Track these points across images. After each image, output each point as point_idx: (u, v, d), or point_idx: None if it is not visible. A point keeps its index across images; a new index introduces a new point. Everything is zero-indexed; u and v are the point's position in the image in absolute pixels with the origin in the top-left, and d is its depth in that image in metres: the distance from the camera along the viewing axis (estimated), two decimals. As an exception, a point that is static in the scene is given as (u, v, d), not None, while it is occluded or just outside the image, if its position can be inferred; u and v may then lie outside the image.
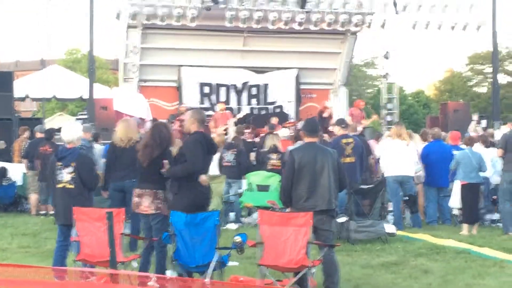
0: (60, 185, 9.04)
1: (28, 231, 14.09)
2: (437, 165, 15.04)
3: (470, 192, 13.86)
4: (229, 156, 15.40)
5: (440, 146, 15.51)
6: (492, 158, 14.94)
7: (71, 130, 9.40)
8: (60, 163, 9.06)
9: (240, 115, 24.19)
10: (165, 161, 8.91)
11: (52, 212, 16.07)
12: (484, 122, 24.42)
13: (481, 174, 14.18)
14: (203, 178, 8.91)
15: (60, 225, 9.32)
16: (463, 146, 14.95)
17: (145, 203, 8.97)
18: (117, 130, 11.39)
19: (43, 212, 16.94)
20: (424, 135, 16.62)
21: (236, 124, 21.77)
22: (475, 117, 20.56)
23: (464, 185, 13.88)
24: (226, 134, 20.87)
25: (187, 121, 9.21)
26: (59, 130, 21.47)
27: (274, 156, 15.60)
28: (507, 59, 56.02)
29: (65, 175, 8.98)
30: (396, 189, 14.48)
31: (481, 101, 54.84)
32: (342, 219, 12.61)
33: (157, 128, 9.30)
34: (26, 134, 18.72)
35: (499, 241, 12.71)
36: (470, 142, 14.52)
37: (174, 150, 14.96)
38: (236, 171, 15.44)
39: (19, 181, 18.09)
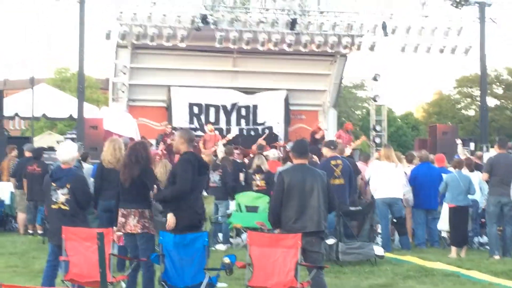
0: (55, 206, 8.98)
1: (16, 250, 14.00)
2: (425, 188, 15.05)
3: (458, 214, 13.87)
4: (215, 176, 15.38)
5: (428, 168, 15.52)
6: (479, 182, 14.97)
7: (66, 150, 9.34)
8: (55, 184, 9.01)
9: (230, 137, 24.21)
10: (154, 186, 8.91)
11: (40, 231, 16.03)
12: (472, 145, 24.54)
13: (470, 196, 14.21)
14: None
15: (52, 245, 9.28)
16: (451, 169, 14.98)
17: (131, 223, 8.94)
18: (104, 151, 11.35)
19: (31, 231, 16.84)
20: (409, 157, 16.63)
21: (225, 145, 21.77)
22: (458, 140, 20.64)
23: (452, 207, 13.90)
24: (215, 155, 20.87)
25: (176, 141, 9.14)
26: (47, 149, 21.53)
27: (258, 176, 15.59)
28: (495, 82, 56.35)
29: (60, 196, 8.92)
30: (385, 211, 14.48)
31: (470, 123, 55.12)
32: (331, 241, 12.60)
33: (133, 147, 9.29)
34: (14, 153, 18.65)
35: (487, 264, 12.72)
36: (459, 165, 14.55)
37: (158, 170, 14.96)
38: (221, 192, 15.40)
39: (7, 200, 17.98)
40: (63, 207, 8.92)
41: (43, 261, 12.34)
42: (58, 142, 27.21)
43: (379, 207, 14.32)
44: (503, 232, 13.92)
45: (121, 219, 9.03)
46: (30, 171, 16.40)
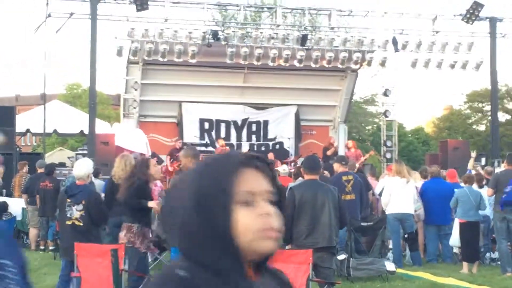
0: (69, 222, 9.02)
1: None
2: (436, 203, 15.03)
3: (469, 230, 13.84)
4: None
5: (439, 183, 15.51)
6: (488, 197, 14.94)
7: (82, 166, 9.41)
8: (70, 200, 9.06)
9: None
10: (154, 202, 8.92)
11: (51, 247, 16.08)
12: (483, 160, 24.47)
13: (481, 212, 14.17)
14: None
15: (65, 260, 9.32)
16: (462, 184, 14.96)
17: (121, 235, 9.01)
18: (115, 167, 11.39)
19: (43, 247, 16.90)
20: (423, 173, 16.63)
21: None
22: (473, 154, 20.60)
23: (463, 223, 13.87)
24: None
25: (183, 162, 9.12)
26: (59, 165, 21.63)
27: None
28: (506, 97, 56.23)
29: (75, 212, 8.97)
30: (396, 226, 14.47)
31: (481, 139, 54.93)
32: (342, 257, 12.59)
33: (136, 164, 9.41)
34: (25, 169, 18.77)
35: (499, 280, 12.68)
36: (469, 180, 14.53)
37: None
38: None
39: (18, 216, 18.07)
40: (77, 223, 8.97)
41: (54, 277, 12.39)
42: (69, 158, 27.35)
43: (390, 223, 14.31)
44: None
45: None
46: (42, 187, 16.48)
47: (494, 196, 13.87)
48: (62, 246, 9.49)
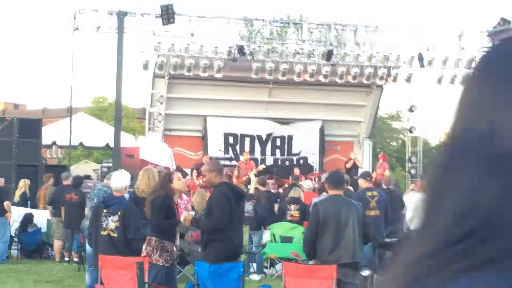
0: (104, 232, 9.08)
1: (52, 278, 14.11)
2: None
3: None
4: (248, 206, 15.44)
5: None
6: None
7: (121, 179, 9.50)
8: (106, 211, 9.12)
9: (260, 168, 24.21)
10: (185, 213, 8.90)
11: (76, 259, 16.15)
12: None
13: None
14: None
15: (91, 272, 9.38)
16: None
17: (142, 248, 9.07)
18: (139, 180, 11.42)
19: (67, 259, 16.96)
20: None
21: (256, 175, 21.76)
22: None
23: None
24: (248, 183, 20.90)
25: (207, 177, 8.95)
26: (86, 177, 21.74)
27: (292, 206, 15.56)
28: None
29: (111, 222, 9.02)
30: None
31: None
32: (366, 273, 12.52)
33: (160, 177, 9.47)
34: (51, 181, 18.89)
35: None
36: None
37: (194, 199, 14.97)
38: (254, 222, 15.43)
39: (43, 228, 18.17)
40: (112, 234, 9.01)
41: (78, 289, 12.47)
42: (94, 170, 27.50)
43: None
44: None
45: None
46: (68, 199, 16.56)
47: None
48: (94, 256, 9.47)
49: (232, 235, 8.56)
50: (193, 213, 14.89)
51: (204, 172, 9.08)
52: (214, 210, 8.52)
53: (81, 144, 25.96)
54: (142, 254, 8.95)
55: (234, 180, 22.25)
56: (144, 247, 8.96)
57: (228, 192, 8.60)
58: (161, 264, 8.84)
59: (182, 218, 8.83)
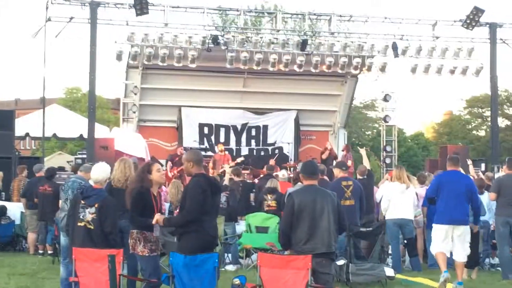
0: (81, 224, 9.01)
1: (26, 271, 14.01)
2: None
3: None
4: (221, 198, 15.45)
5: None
6: (488, 202, 14.90)
7: (100, 170, 9.43)
8: (84, 202, 9.06)
9: (238, 160, 24.20)
10: (157, 214, 8.81)
11: (50, 251, 16.04)
12: (483, 166, 24.43)
13: (481, 218, 14.12)
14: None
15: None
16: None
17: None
18: (114, 170, 11.35)
19: (41, 251, 16.86)
20: (421, 178, 16.55)
21: (232, 167, 21.73)
22: (469, 161, 20.53)
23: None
24: (224, 176, 20.87)
25: (185, 165, 8.88)
26: (60, 169, 21.58)
27: (269, 196, 15.57)
28: (506, 103, 56.24)
29: (88, 214, 8.96)
30: (396, 232, 14.45)
31: (481, 144, 54.96)
32: (341, 262, 12.56)
33: (138, 170, 9.45)
34: (24, 173, 18.74)
35: (498, 286, 12.66)
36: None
37: (169, 190, 14.90)
38: (227, 214, 15.38)
39: (17, 220, 18.04)
40: (88, 225, 8.96)
41: (53, 281, 12.40)
42: (68, 162, 27.31)
43: (389, 228, 14.30)
44: (514, 254, 13.84)
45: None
46: (42, 191, 16.45)
47: (496, 201, 13.80)
48: (70, 247, 9.35)
49: (207, 226, 8.52)
50: (168, 204, 14.88)
51: (183, 160, 9.03)
52: (188, 201, 8.47)
53: (54, 135, 25.75)
54: (130, 247, 8.93)
55: (210, 171, 22.24)
56: (129, 240, 8.95)
57: (204, 184, 8.52)
58: (147, 254, 8.81)
59: (154, 220, 8.73)
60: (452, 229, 12.03)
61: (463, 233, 12.10)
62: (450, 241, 12.15)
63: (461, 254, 12.12)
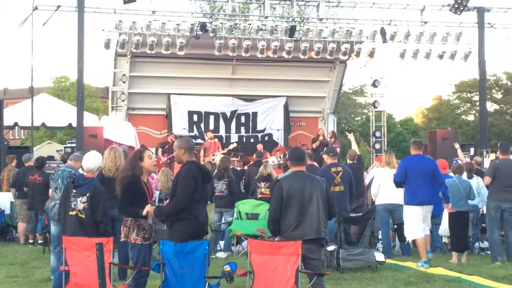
0: (72, 213, 8.98)
1: (16, 261, 14.00)
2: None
3: (459, 220, 13.87)
4: (221, 186, 15.50)
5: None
6: (477, 186, 14.97)
7: (93, 159, 9.39)
8: (75, 191, 9.04)
9: (231, 147, 24.22)
10: (148, 206, 8.79)
11: (40, 241, 16.04)
12: (472, 150, 24.52)
13: (470, 202, 14.20)
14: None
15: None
16: (451, 174, 14.96)
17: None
18: (105, 158, 11.34)
19: (31, 241, 16.85)
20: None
21: (223, 154, 21.76)
22: (456, 145, 20.60)
23: (452, 213, 13.90)
24: (214, 163, 20.89)
25: (176, 152, 8.84)
26: (49, 158, 21.54)
27: (262, 184, 15.59)
28: (494, 87, 56.36)
29: (79, 203, 8.94)
30: (386, 217, 14.50)
31: (469, 128, 55.10)
32: (331, 248, 12.60)
33: (129, 157, 9.41)
34: (14, 162, 18.71)
35: (488, 269, 12.71)
36: (459, 170, 14.55)
37: (159, 177, 14.91)
38: (228, 200, 15.51)
39: (7, 210, 18.01)
40: (79, 214, 8.94)
41: (43, 270, 12.41)
42: (58, 151, 27.27)
43: (379, 213, 14.35)
44: (506, 238, 13.90)
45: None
46: (31, 181, 16.44)
47: (490, 185, 13.85)
48: (61, 235, 9.32)
49: (197, 214, 8.52)
50: (158, 192, 14.88)
51: (174, 147, 8.96)
52: (179, 188, 8.46)
53: (43, 124, 25.70)
54: (121, 236, 8.91)
55: (201, 159, 22.25)
56: (121, 228, 8.92)
57: (195, 172, 8.52)
58: (140, 242, 8.79)
59: (144, 212, 8.71)
60: (424, 210, 13.04)
61: (429, 212, 13.31)
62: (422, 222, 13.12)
63: (425, 229, 13.32)
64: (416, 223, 13.08)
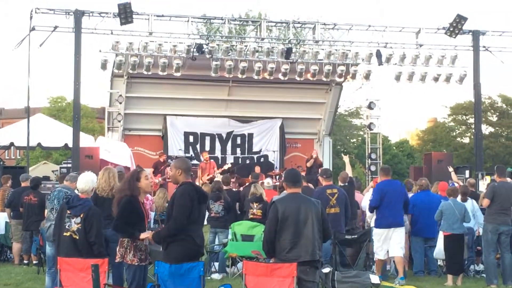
0: (66, 233, 8.98)
1: (10, 281, 13.95)
2: (424, 216, 15.02)
3: (454, 242, 13.88)
4: (217, 207, 15.51)
5: (428, 196, 15.52)
6: (472, 209, 15.00)
7: (86, 180, 9.40)
8: (69, 212, 9.04)
9: (225, 167, 24.26)
10: (146, 232, 8.77)
11: (35, 262, 15.98)
12: (467, 173, 24.55)
13: (465, 224, 14.21)
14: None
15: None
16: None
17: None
18: (99, 178, 11.33)
19: (26, 261, 16.79)
20: (408, 185, 16.63)
21: (221, 174, 21.79)
22: (450, 168, 20.70)
23: (448, 236, 13.91)
24: (211, 183, 20.89)
25: (173, 173, 8.80)
26: (45, 179, 21.50)
27: (255, 205, 15.59)
28: (489, 110, 56.50)
29: (73, 224, 8.94)
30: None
31: (465, 151, 55.16)
32: (326, 270, 12.58)
33: (126, 177, 9.40)
34: (9, 182, 18.66)
35: (483, 292, 12.71)
36: (453, 193, 14.57)
37: (156, 196, 14.90)
38: (223, 221, 15.56)
39: (1, 230, 17.95)
40: (73, 235, 8.93)
41: (38, 291, 12.34)
42: (53, 171, 27.24)
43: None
44: (502, 260, 13.89)
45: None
46: (27, 201, 16.38)
47: (487, 207, 13.85)
48: (55, 256, 9.31)
49: (193, 235, 8.50)
50: (153, 213, 14.87)
51: (171, 167, 8.93)
52: (175, 209, 8.44)
53: (39, 145, 25.69)
54: (117, 256, 8.87)
55: (200, 181, 22.24)
56: (117, 249, 8.88)
57: (192, 193, 8.50)
58: (136, 263, 8.76)
59: (143, 236, 8.70)
60: (392, 231, 13.75)
61: (401, 233, 13.87)
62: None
63: (400, 250, 13.81)
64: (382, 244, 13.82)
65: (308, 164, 24.17)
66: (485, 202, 13.96)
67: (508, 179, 16.28)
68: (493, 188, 13.92)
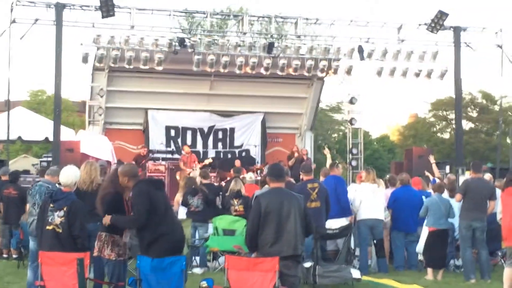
0: (49, 227, 8.95)
1: (-10, 275, 13.87)
2: (405, 211, 15.07)
3: (439, 238, 13.94)
4: (196, 201, 15.44)
5: (409, 191, 15.56)
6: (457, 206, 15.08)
7: (69, 174, 9.40)
8: (52, 205, 8.99)
9: (206, 162, 24.22)
10: (107, 216, 8.79)
11: (15, 255, 15.88)
12: (447, 168, 24.65)
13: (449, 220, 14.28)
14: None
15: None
16: (430, 191, 15.04)
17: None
18: (81, 172, 11.28)
19: (6, 255, 16.68)
20: (392, 180, 16.60)
21: (201, 169, 21.75)
22: (432, 159, 20.69)
23: (433, 231, 13.97)
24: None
25: (120, 180, 8.91)
26: (23, 172, 21.35)
27: (236, 201, 15.56)
28: (469, 106, 56.75)
29: (56, 217, 8.91)
30: (367, 233, 14.56)
31: (445, 146, 55.37)
32: (308, 264, 12.61)
33: (110, 174, 9.43)
34: (-11, 176, 18.51)
35: (463, 287, 12.77)
36: (439, 189, 14.62)
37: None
38: (203, 215, 15.46)
39: (-19, 224, 17.80)
40: (56, 229, 8.89)
41: (18, 285, 12.31)
42: (33, 165, 27.07)
43: (360, 229, 14.41)
44: (478, 256, 13.97)
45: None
46: (6, 194, 16.27)
47: (461, 203, 13.93)
48: (38, 250, 9.27)
49: (174, 229, 8.54)
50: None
51: (119, 174, 8.95)
52: (134, 208, 8.59)
53: (19, 138, 25.51)
54: (95, 250, 8.85)
55: (182, 175, 22.16)
56: (96, 243, 8.88)
57: (144, 187, 8.63)
58: (113, 258, 8.76)
59: (103, 221, 8.74)
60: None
61: None
62: None
63: None
64: None
65: (290, 163, 24.17)
66: (457, 196, 14.03)
67: (488, 175, 16.43)
68: (466, 184, 14.01)
